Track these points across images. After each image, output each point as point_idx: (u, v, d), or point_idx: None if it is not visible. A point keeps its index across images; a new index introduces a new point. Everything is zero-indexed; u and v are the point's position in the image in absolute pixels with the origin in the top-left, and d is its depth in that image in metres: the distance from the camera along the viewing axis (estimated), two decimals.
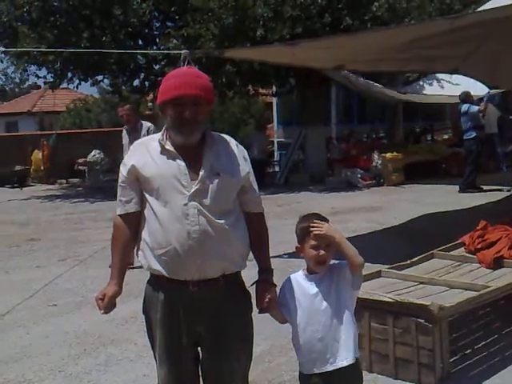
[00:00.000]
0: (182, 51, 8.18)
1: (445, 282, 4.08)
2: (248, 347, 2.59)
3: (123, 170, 2.55)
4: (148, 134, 6.52)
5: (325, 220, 2.57)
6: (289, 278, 2.65)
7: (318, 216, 2.59)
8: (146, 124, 7.05)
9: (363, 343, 3.67)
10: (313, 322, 2.53)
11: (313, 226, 2.50)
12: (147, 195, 2.48)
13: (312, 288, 2.55)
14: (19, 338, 4.92)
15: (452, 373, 3.68)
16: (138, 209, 2.53)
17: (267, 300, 2.51)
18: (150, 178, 2.45)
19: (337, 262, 2.58)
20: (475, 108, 11.70)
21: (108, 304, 2.51)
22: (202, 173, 2.43)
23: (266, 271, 2.58)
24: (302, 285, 2.58)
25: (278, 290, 2.63)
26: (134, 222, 2.54)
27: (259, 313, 2.59)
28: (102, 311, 2.52)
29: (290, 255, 6.84)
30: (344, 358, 2.50)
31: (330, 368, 2.50)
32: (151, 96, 18.03)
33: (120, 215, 2.56)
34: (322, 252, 2.50)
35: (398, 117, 16.71)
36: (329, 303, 2.51)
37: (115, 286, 2.54)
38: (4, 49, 15.12)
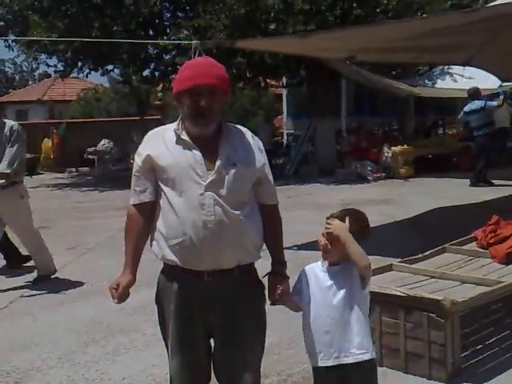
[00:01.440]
0: (193, 42, 8.14)
1: (457, 277, 4.04)
2: (261, 338, 2.57)
3: (138, 160, 2.52)
4: (10, 133, 6.19)
5: (356, 213, 2.56)
6: (308, 267, 2.64)
7: (342, 211, 2.58)
8: (10, 123, 6.53)
9: (374, 337, 3.63)
10: (322, 314, 2.52)
11: (326, 226, 2.51)
12: (162, 185, 2.46)
13: (326, 280, 2.54)
14: (27, 326, 4.93)
15: (463, 368, 3.65)
16: (153, 199, 2.51)
17: (279, 292, 2.50)
18: (166, 167, 2.43)
19: None
20: (493, 103, 11.58)
21: (122, 294, 2.49)
22: (218, 163, 2.40)
23: (279, 263, 2.57)
24: (319, 276, 2.57)
25: (291, 281, 2.61)
26: (147, 212, 2.51)
27: (271, 305, 2.57)
28: (116, 301, 2.50)
29: (300, 247, 6.83)
30: (350, 354, 2.48)
31: (331, 363, 2.49)
32: (161, 86, 18.03)
33: (134, 205, 2.54)
34: (323, 241, 2.52)
35: (409, 110, 16.60)
36: (340, 298, 2.50)
37: (129, 275, 2.52)
38: (14, 37, 15.13)
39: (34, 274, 6.28)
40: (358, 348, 2.48)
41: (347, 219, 2.52)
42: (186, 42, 10.83)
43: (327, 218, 2.55)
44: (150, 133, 2.59)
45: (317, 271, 2.59)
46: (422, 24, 7.10)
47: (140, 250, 2.57)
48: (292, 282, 2.65)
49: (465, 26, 6.33)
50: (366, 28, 8.18)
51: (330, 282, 2.53)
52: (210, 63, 2.48)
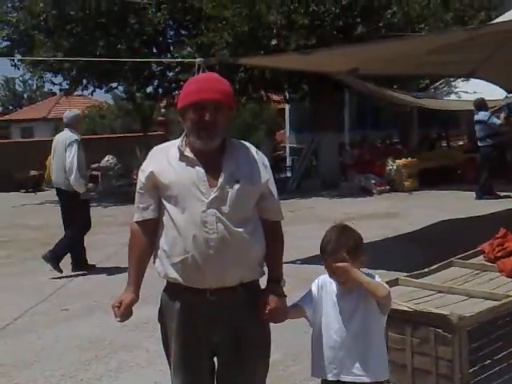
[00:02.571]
0: (197, 59, 8.18)
1: (464, 291, 3.98)
2: (265, 357, 2.54)
3: (141, 177, 2.51)
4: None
5: (339, 243, 2.48)
6: (323, 277, 2.60)
7: (336, 234, 2.52)
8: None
9: None
10: (331, 328, 2.49)
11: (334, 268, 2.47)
12: (165, 202, 2.44)
13: (340, 297, 2.51)
14: (31, 342, 4.90)
15: None
16: (156, 216, 2.49)
17: (267, 312, 2.43)
18: (169, 184, 2.41)
19: (367, 272, 2.53)
20: (496, 121, 11.56)
21: (124, 312, 2.46)
22: (221, 180, 2.38)
23: (274, 281, 2.51)
24: (333, 289, 2.54)
25: (294, 296, 2.58)
26: (151, 229, 2.49)
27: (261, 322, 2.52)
28: (118, 319, 2.47)
29: (303, 261, 6.79)
30: (351, 374, 2.45)
31: (330, 377, 2.48)
32: (164, 102, 18.11)
33: (137, 222, 2.52)
34: (339, 280, 2.49)
35: (413, 123, 16.60)
36: (352, 316, 2.47)
37: (132, 294, 2.49)
38: (20, 57, 15.25)
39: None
40: (359, 369, 2.45)
41: (345, 256, 2.45)
42: (190, 60, 10.87)
43: (332, 264, 2.47)
44: (153, 149, 2.57)
45: (331, 287, 2.56)
46: (425, 41, 7.12)
47: (143, 267, 2.54)
48: (294, 297, 2.63)
49: (468, 42, 6.32)
50: (369, 45, 8.21)
51: (345, 299, 2.50)
52: (215, 78, 2.47)
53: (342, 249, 2.46)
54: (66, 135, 7.21)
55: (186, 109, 2.42)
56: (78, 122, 7.58)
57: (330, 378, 2.48)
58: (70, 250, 7.23)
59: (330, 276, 2.52)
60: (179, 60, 13.37)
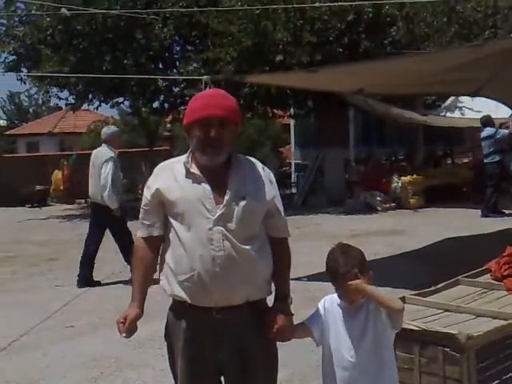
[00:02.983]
0: (204, 77, 8.24)
1: (471, 310, 3.96)
2: (272, 378, 2.52)
3: (147, 194, 2.51)
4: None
5: (346, 262, 2.47)
6: (329, 297, 2.59)
7: (346, 259, 2.49)
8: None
9: None
10: (341, 348, 2.47)
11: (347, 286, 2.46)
12: (171, 219, 2.43)
13: (347, 315, 2.50)
14: (36, 359, 4.88)
15: None
16: (161, 232, 2.49)
17: (275, 331, 2.41)
18: (175, 201, 2.41)
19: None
20: (505, 132, 11.57)
21: (129, 328, 2.45)
22: (227, 197, 2.38)
23: (281, 299, 2.49)
24: (340, 309, 2.53)
25: (301, 313, 2.56)
26: (156, 245, 2.50)
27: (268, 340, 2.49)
28: (124, 335, 2.46)
29: (310, 278, 6.77)
30: None
31: None
32: (170, 118, 18.18)
33: (143, 238, 2.52)
34: (349, 300, 2.48)
35: (418, 139, 16.61)
36: (362, 335, 2.45)
37: (137, 309, 2.48)
38: (27, 72, 15.35)
39: None
40: None
41: (357, 273, 2.45)
42: (197, 77, 10.94)
43: (346, 284, 2.46)
44: (159, 166, 2.57)
45: (338, 307, 2.54)
46: (429, 59, 7.14)
47: (148, 282, 2.54)
48: (301, 314, 2.61)
49: (473, 60, 6.34)
50: (375, 62, 8.23)
51: (351, 318, 2.49)
52: (221, 95, 2.48)
53: (352, 268, 2.46)
54: (103, 151, 7.38)
55: (191, 125, 2.43)
56: (116, 138, 7.73)
57: None
58: (126, 254, 7.27)
59: (341, 296, 2.51)
60: (186, 77, 13.44)
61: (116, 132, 7.86)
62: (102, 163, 7.25)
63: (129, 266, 7.95)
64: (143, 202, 2.53)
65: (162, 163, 2.59)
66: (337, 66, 8.66)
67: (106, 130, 7.68)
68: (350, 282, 2.44)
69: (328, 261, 2.53)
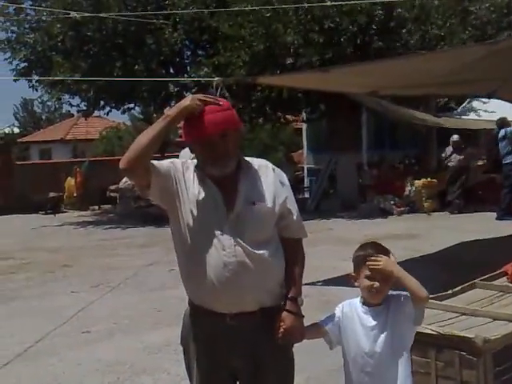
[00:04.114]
0: (215, 79, 8.24)
1: (488, 314, 3.93)
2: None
3: (172, 161, 2.45)
4: None
5: (384, 250, 2.49)
6: (347, 302, 2.57)
7: (376, 246, 2.52)
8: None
9: None
10: (364, 353, 2.45)
11: (370, 260, 2.44)
12: (182, 225, 2.40)
13: (369, 320, 2.47)
14: (52, 365, 4.89)
15: None
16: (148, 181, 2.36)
17: (282, 331, 2.37)
18: (186, 206, 2.38)
19: (395, 292, 2.50)
20: None
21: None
22: (237, 202, 2.36)
23: (291, 299, 2.43)
24: (360, 314, 2.50)
25: (314, 318, 2.54)
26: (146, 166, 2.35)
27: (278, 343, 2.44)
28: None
29: (324, 283, 6.75)
30: None
31: None
32: (181, 123, 18.20)
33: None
34: (376, 284, 2.44)
35: (432, 142, 16.51)
36: (384, 338, 2.43)
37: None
38: (38, 77, 15.44)
39: None
40: None
41: (391, 255, 2.47)
42: (209, 79, 10.96)
43: (367, 257, 2.46)
44: (182, 162, 2.49)
45: (358, 310, 2.52)
46: (443, 57, 7.10)
47: None
48: (316, 318, 2.60)
49: (488, 60, 6.30)
50: (388, 61, 8.19)
51: (373, 323, 2.46)
52: (212, 109, 2.34)
53: (383, 252, 2.48)
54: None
55: (192, 143, 2.41)
56: None
57: None
58: None
59: (364, 288, 2.46)
60: (197, 79, 13.46)
61: None
62: None
63: (141, 272, 7.97)
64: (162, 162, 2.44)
65: (182, 158, 2.55)
66: (348, 66, 8.60)
67: None
68: (380, 258, 2.42)
69: (355, 253, 2.54)
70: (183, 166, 2.46)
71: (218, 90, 7.83)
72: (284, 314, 2.39)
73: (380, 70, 7.21)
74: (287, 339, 2.39)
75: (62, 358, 5.03)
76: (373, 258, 2.43)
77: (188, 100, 2.34)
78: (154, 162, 2.37)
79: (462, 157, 13.43)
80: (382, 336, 2.43)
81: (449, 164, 13.61)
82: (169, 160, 2.49)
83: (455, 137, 13.59)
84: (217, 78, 8.21)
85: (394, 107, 13.36)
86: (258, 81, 9.31)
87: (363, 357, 2.45)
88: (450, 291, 4.37)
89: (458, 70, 6.66)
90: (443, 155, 14.00)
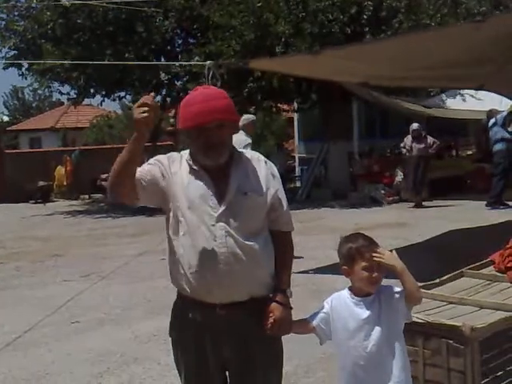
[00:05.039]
0: (207, 62, 8.24)
1: (475, 302, 3.96)
2: (277, 374, 2.51)
3: (158, 159, 2.46)
4: None
5: (374, 241, 2.49)
6: (336, 295, 2.55)
7: (366, 237, 2.50)
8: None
9: None
10: (358, 346, 2.43)
11: (375, 252, 2.43)
12: (174, 215, 2.41)
13: (362, 312, 2.45)
14: (41, 355, 4.89)
15: None
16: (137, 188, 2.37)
17: (271, 321, 2.38)
18: (178, 196, 2.39)
19: (383, 285, 2.49)
20: (503, 113, 11.60)
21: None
22: (229, 193, 2.37)
23: (280, 290, 2.45)
24: (351, 307, 2.47)
25: (303, 306, 2.55)
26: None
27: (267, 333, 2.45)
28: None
29: (314, 271, 6.78)
30: None
31: None
32: (173, 112, 18.16)
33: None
34: (375, 274, 2.43)
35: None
36: (379, 330, 2.42)
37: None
38: (28, 62, 15.30)
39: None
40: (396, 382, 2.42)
41: (394, 251, 2.47)
42: (200, 63, 10.92)
43: (372, 250, 2.43)
44: (173, 154, 2.50)
45: (348, 302, 2.49)
46: (431, 36, 7.01)
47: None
48: (306, 307, 2.60)
49: (477, 52, 6.29)
50: (378, 43, 8.15)
51: (366, 314, 2.44)
52: (213, 95, 2.38)
53: (375, 243, 2.47)
54: (241, 138, 7.31)
55: (189, 131, 2.39)
56: (252, 125, 7.95)
57: None
58: None
59: (362, 280, 2.43)
60: (190, 63, 13.38)
61: (253, 120, 8.13)
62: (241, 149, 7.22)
63: (131, 261, 7.96)
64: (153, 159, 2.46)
65: (172, 153, 2.54)
66: (339, 48, 8.51)
67: (245, 116, 7.82)
68: (384, 251, 2.42)
69: (345, 245, 2.48)
70: (169, 159, 2.47)
71: (209, 77, 7.82)
72: (273, 305, 2.40)
73: (370, 55, 7.16)
74: (276, 330, 2.40)
75: (51, 348, 5.03)
76: (378, 251, 2.43)
77: (135, 114, 2.29)
78: (137, 175, 2.36)
79: (422, 145, 12.81)
80: (376, 329, 2.42)
81: (407, 154, 13.09)
82: (153, 159, 2.48)
83: (415, 125, 12.85)
84: (208, 62, 8.20)
85: (384, 98, 13.37)
86: (250, 65, 9.30)
87: (357, 350, 2.43)
88: (437, 280, 4.41)
89: (448, 63, 6.66)
90: (402, 145, 13.38)
